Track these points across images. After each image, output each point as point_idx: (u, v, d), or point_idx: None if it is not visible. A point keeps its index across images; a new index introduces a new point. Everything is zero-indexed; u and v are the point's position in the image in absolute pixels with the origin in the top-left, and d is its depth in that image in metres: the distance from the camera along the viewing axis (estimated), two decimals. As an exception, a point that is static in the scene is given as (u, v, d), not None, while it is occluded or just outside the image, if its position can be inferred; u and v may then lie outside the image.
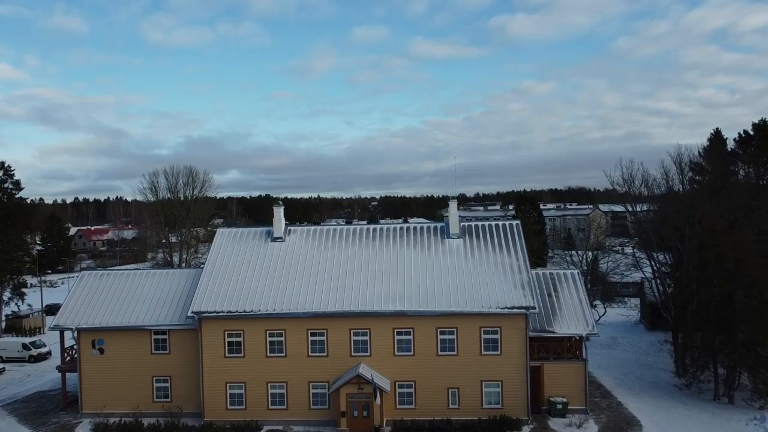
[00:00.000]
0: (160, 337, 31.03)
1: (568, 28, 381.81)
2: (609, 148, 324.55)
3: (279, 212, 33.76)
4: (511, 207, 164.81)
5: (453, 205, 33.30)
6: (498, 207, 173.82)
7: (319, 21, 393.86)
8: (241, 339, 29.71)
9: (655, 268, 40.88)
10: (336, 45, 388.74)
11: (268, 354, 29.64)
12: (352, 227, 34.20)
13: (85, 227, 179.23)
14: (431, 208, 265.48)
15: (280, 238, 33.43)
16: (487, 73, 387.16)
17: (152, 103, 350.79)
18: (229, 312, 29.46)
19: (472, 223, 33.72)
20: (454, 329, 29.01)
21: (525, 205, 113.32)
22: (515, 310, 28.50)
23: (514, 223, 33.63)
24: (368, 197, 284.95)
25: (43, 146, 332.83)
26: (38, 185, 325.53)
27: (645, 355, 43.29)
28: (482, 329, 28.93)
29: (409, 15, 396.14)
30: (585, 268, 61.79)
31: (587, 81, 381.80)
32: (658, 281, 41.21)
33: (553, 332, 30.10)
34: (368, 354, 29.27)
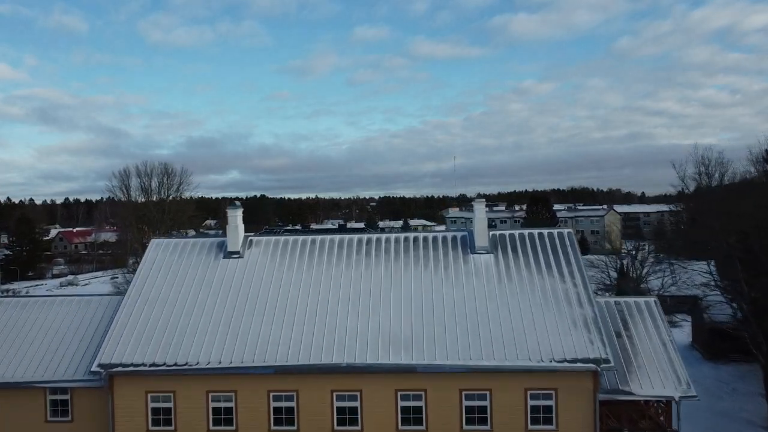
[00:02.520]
0: (59, 397, 21.45)
1: (569, 27, 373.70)
2: (610, 149, 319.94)
3: (235, 216, 24.21)
4: (517, 208, 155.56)
5: (480, 207, 23.78)
6: (503, 208, 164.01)
7: (319, 20, 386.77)
8: (171, 405, 20.15)
9: (744, 290, 31.31)
10: (337, 44, 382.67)
11: (211, 427, 20.08)
12: (338, 237, 24.59)
13: (67, 229, 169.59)
14: (431, 208, 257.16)
15: (237, 253, 23.86)
16: (487, 72, 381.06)
17: (152, 103, 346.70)
18: (154, 365, 19.92)
19: (505, 233, 24.17)
20: (487, 392, 19.48)
21: (536, 205, 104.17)
22: (579, 365, 18.98)
23: (565, 232, 24.04)
24: (367, 198, 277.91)
25: (42, 146, 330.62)
26: (37, 186, 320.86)
27: (717, 399, 33.67)
28: (529, 392, 19.40)
29: (411, 14, 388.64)
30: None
31: (588, 81, 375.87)
32: (741, 304, 31.71)
33: (631, 393, 20.59)
34: (359, 428, 19.75)
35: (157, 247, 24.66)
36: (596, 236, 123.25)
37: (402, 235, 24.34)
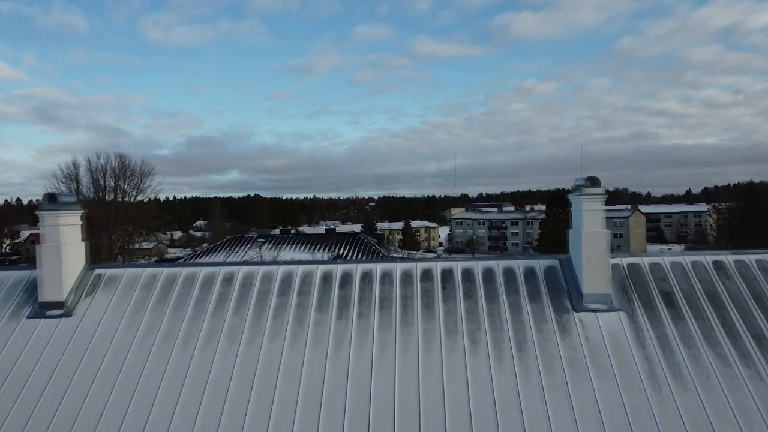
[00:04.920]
0: None
1: (572, 26, 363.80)
2: (613, 149, 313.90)
3: (56, 228, 11.39)
4: (528, 208, 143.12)
5: (592, 206, 10.84)
6: (513, 209, 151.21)
7: (321, 19, 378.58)
8: None
9: None
10: (338, 44, 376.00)
11: None
12: (283, 270, 11.64)
13: (38, 231, 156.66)
14: (433, 209, 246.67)
15: (59, 306, 11.05)
16: (489, 72, 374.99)
17: (152, 102, 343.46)
18: None
19: (640, 260, 11.35)
20: None
21: (556, 205, 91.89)
22: None
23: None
24: (366, 198, 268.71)
25: (41, 146, 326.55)
26: (37, 186, 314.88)
27: None
28: None
29: (412, 13, 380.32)
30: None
31: (591, 81, 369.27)
32: None
33: None
34: None
35: None
36: (620, 240, 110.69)
37: (417, 265, 11.46)
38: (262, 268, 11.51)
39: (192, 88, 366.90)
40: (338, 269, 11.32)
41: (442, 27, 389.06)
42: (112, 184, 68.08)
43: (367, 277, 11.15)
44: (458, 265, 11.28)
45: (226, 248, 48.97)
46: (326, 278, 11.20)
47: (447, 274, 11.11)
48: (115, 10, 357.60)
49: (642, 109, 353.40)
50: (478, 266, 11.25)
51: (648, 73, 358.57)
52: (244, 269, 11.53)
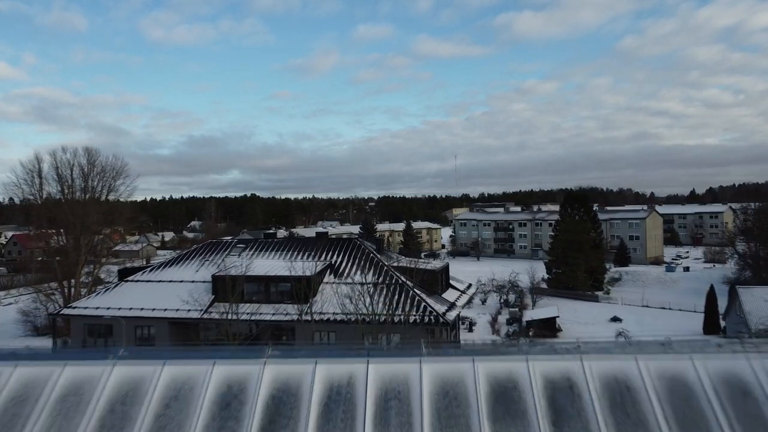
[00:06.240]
0: None
1: (574, 26, 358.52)
2: (614, 149, 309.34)
3: None
4: (536, 209, 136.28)
5: None
6: (520, 209, 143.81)
7: (322, 18, 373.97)
8: None
9: None
10: (339, 43, 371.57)
11: None
12: (144, 373, 4.74)
13: (21, 231, 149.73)
14: (433, 209, 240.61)
15: None
16: (490, 72, 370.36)
17: (153, 101, 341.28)
18: None
19: None
20: None
21: (572, 205, 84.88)
22: None
23: None
24: (365, 198, 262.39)
25: (41, 145, 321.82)
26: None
27: None
28: None
29: (413, 12, 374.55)
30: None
31: (592, 81, 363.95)
32: None
33: None
34: None
35: None
36: (636, 243, 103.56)
37: (478, 369, 4.35)
38: (67, 371, 4.33)
39: (193, 87, 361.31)
40: (263, 376, 4.15)
41: (443, 26, 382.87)
42: (80, 181, 61.00)
43: (341, 401, 4.00)
44: (590, 370, 4.11)
45: (200, 255, 41.61)
46: (227, 403, 4.05)
47: (566, 397, 3.95)
48: (115, 9, 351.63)
49: (643, 110, 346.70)
50: (646, 376, 4.08)
51: (649, 74, 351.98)
52: (19, 372, 4.36)
